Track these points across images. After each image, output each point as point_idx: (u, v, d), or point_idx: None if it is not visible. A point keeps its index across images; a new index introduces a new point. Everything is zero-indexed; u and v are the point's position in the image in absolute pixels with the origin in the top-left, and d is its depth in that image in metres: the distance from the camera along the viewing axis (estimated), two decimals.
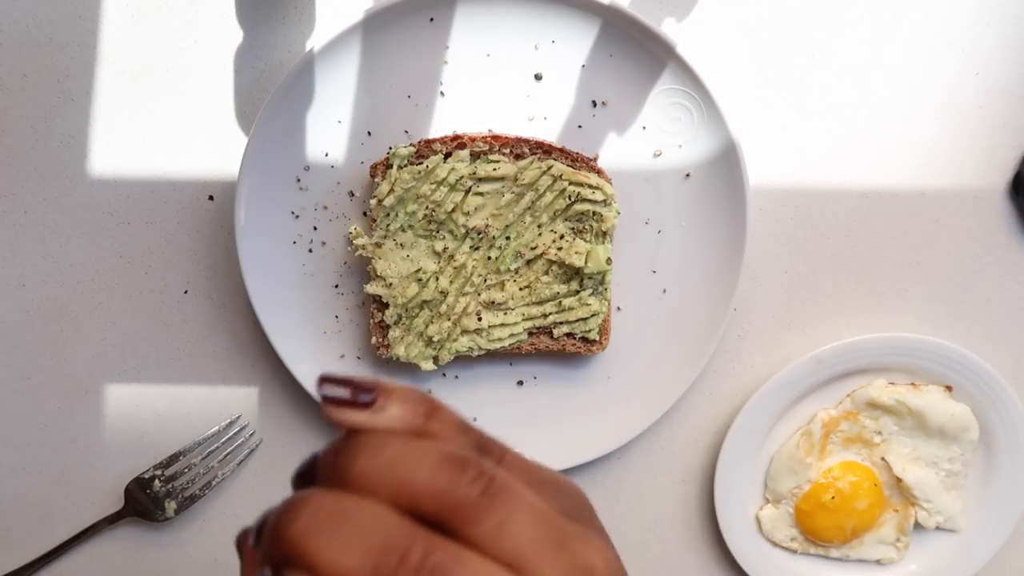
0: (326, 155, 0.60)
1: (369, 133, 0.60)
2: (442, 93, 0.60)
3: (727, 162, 0.59)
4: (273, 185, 0.60)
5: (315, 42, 0.57)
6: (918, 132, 0.63)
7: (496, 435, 0.28)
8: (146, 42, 0.62)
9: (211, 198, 0.63)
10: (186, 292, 0.64)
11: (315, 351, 0.62)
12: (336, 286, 0.62)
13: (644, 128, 0.60)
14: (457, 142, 0.58)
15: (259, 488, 0.66)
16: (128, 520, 0.64)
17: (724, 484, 0.62)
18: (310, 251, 0.61)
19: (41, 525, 0.66)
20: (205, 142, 0.62)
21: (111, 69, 0.62)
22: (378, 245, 0.59)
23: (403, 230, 0.59)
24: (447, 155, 0.58)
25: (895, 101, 0.63)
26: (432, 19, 0.59)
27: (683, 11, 0.61)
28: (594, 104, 0.60)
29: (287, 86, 0.58)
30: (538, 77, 0.60)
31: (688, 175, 0.60)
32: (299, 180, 0.60)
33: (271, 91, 0.58)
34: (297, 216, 0.61)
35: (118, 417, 0.65)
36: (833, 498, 0.61)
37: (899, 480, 0.61)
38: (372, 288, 0.59)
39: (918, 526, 0.63)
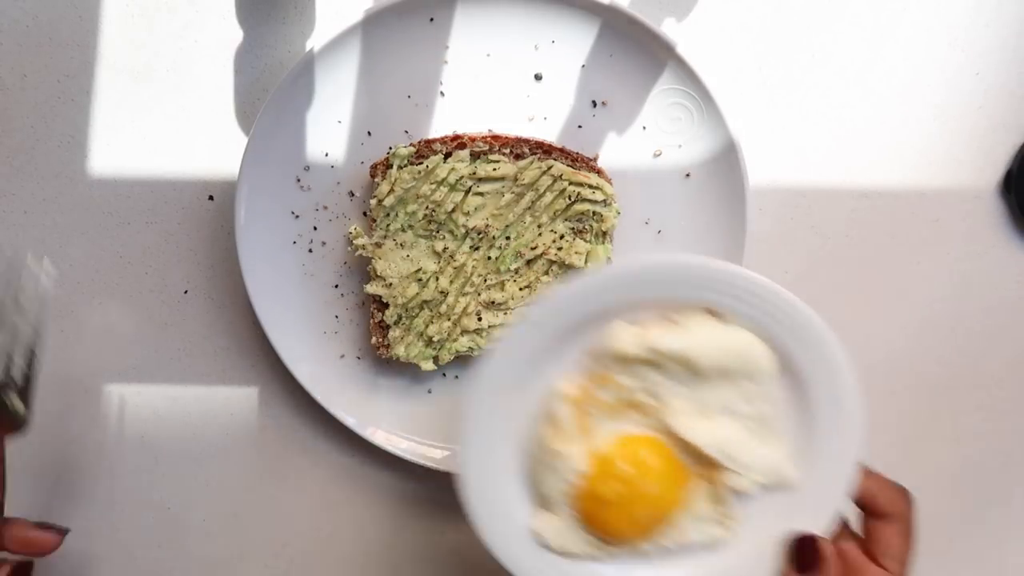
0: (326, 155, 0.60)
1: (369, 133, 0.60)
2: (442, 93, 0.60)
3: (727, 162, 0.59)
4: (273, 185, 0.60)
5: (315, 42, 0.57)
6: (918, 132, 0.63)
7: None
8: (146, 42, 0.62)
9: (211, 198, 0.63)
10: (186, 292, 0.64)
11: (315, 351, 0.62)
12: (336, 286, 0.62)
13: (644, 128, 0.60)
14: (457, 142, 0.58)
15: (259, 487, 0.66)
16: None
17: (479, 499, 0.47)
18: (310, 251, 0.61)
19: None
20: (205, 142, 0.62)
21: (111, 69, 0.62)
22: (378, 245, 0.59)
23: (403, 230, 0.59)
24: (447, 155, 0.58)
25: (895, 101, 0.63)
26: (432, 19, 0.59)
27: (683, 11, 0.61)
28: (594, 104, 0.60)
29: (287, 86, 0.58)
30: (538, 77, 0.60)
31: (688, 175, 0.60)
32: (299, 180, 0.60)
33: (271, 91, 0.58)
34: (297, 216, 0.61)
35: (118, 417, 0.65)
36: (613, 489, 0.46)
37: (687, 441, 0.47)
38: (372, 288, 0.59)
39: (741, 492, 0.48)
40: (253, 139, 0.58)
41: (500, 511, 0.47)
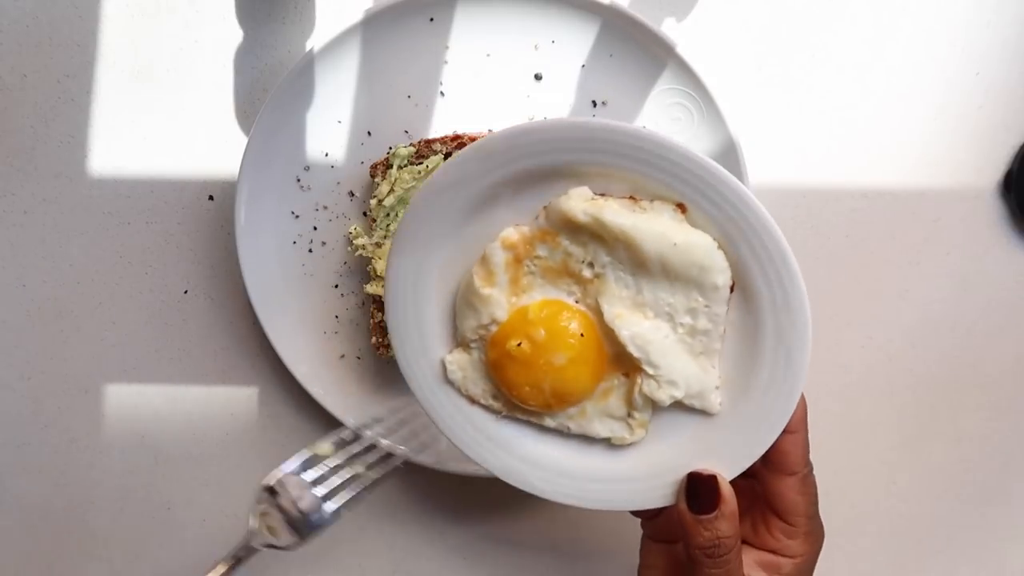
0: (326, 155, 0.60)
1: (369, 133, 0.60)
2: (442, 93, 0.60)
3: (727, 162, 0.59)
4: (273, 185, 0.60)
5: (315, 42, 0.57)
6: (918, 132, 0.63)
7: None
8: (146, 42, 0.62)
9: (211, 198, 0.63)
10: (186, 292, 0.64)
11: (315, 351, 0.62)
12: (336, 286, 0.62)
13: (644, 128, 0.60)
14: (457, 142, 0.58)
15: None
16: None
17: (397, 322, 0.46)
18: (310, 251, 0.61)
19: (41, 525, 0.66)
20: (205, 142, 0.62)
21: (111, 69, 0.62)
22: (378, 245, 0.59)
23: None
24: (447, 155, 0.58)
25: (895, 101, 0.63)
26: (432, 19, 0.59)
27: (683, 11, 0.61)
28: (594, 104, 0.60)
29: (287, 86, 0.58)
30: (538, 77, 0.60)
31: None
32: (299, 180, 0.60)
33: (271, 91, 0.58)
34: (297, 216, 0.61)
35: (118, 417, 0.65)
36: (520, 345, 0.43)
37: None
38: (372, 288, 0.59)
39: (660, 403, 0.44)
40: (253, 139, 0.58)
41: (419, 336, 0.46)
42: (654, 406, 0.44)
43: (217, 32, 0.61)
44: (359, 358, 0.62)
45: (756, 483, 0.45)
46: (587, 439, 0.46)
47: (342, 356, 0.62)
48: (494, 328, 0.45)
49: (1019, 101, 0.63)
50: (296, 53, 0.62)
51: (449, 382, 0.46)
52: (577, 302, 0.45)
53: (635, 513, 0.49)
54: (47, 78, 0.62)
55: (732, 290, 0.43)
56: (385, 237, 0.59)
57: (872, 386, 0.65)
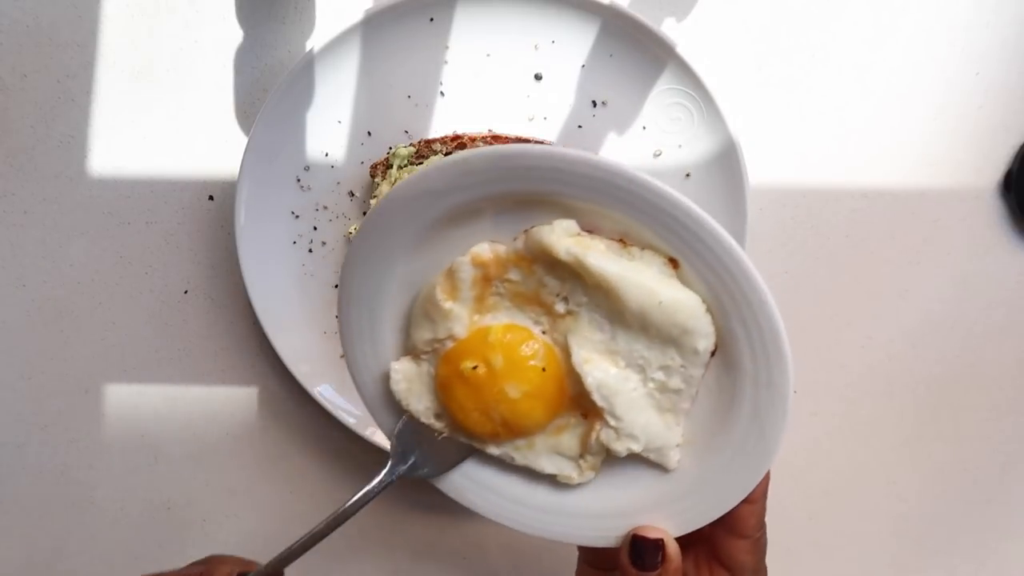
0: (326, 155, 0.60)
1: (369, 133, 0.60)
2: (442, 93, 0.60)
3: (727, 162, 0.59)
4: (273, 185, 0.60)
5: (315, 42, 0.57)
6: (918, 132, 0.63)
7: None
8: (146, 42, 0.62)
9: (211, 198, 0.63)
10: (186, 292, 0.64)
11: (315, 351, 0.62)
12: (336, 286, 0.62)
13: (644, 128, 0.60)
14: (457, 142, 0.58)
15: (259, 487, 0.66)
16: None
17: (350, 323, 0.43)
18: (310, 251, 0.61)
19: (41, 525, 0.66)
20: (205, 142, 0.62)
21: (111, 69, 0.62)
22: None
23: None
24: (447, 155, 0.58)
25: (894, 101, 0.63)
26: (432, 19, 0.59)
27: (683, 11, 0.61)
28: (594, 104, 0.60)
29: (287, 86, 0.58)
30: (538, 77, 0.60)
31: (688, 175, 0.60)
32: (299, 180, 0.60)
33: (271, 91, 0.58)
34: (297, 216, 0.61)
35: (118, 417, 0.65)
36: (476, 369, 0.40)
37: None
38: None
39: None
40: (253, 139, 0.58)
41: (371, 340, 0.43)
42: (609, 452, 0.42)
43: (217, 32, 0.61)
44: None
45: (705, 530, 0.43)
46: (528, 471, 0.43)
47: (342, 356, 0.62)
48: (450, 344, 0.41)
49: (1019, 101, 0.63)
50: (296, 53, 0.62)
51: (395, 390, 0.43)
52: (544, 333, 0.41)
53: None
54: (47, 78, 0.62)
55: (713, 354, 0.40)
56: None
57: (872, 386, 0.65)
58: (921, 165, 0.63)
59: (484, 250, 0.40)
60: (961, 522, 0.67)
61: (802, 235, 0.64)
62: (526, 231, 0.40)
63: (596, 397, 0.40)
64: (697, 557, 0.45)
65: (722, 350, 0.40)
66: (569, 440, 0.42)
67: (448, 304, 0.41)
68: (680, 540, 0.41)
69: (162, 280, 0.64)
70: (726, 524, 0.42)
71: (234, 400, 0.65)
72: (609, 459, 0.42)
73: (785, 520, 0.66)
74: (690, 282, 0.39)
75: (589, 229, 0.39)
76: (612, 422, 0.40)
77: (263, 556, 0.59)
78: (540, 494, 0.44)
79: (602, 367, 0.40)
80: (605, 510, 0.43)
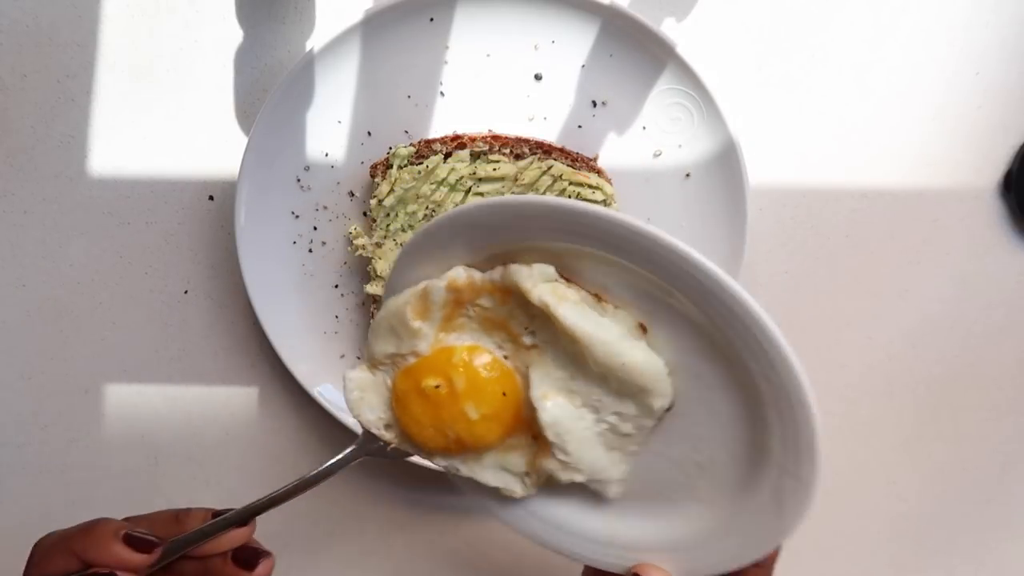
0: (326, 155, 0.60)
1: (369, 133, 0.60)
2: (442, 93, 0.60)
3: (727, 162, 0.59)
4: (273, 185, 0.60)
5: (315, 42, 0.57)
6: (917, 132, 0.63)
7: None
8: (146, 42, 0.62)
9: (211, 198, 0.63)
10: (186, 292, 0.64)
11: (315, 351, 0.62)
12: (336, 286, 0.62)
13: (644, 128, 0.60)
14: (457, 142, 0.58)
15: (259, 488, 0.65)
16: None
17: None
18: (310, 251, 0.61)
19: (41, 525, 0.66)
20: (205, 142, 0.62)
21: (111, 69, 0.62)
22: (378, 245, 0.59)
23: (403, 230, 0.59)
24: (447, 155, 0.58)
25: (894, 101, 0.63)
26: (432, 19, 0.59)
27: (683, 11, 0.61)
28: (594, 104, 0.60)
29: (287, 86, 0.58)
30: (538, 77, 0.60)
31: (688, 175, 0.60)
32: (299, 180, 0.60)
33: (271, 91, 0.58)
34: (297, 216, 0.61)
35: (118, 417, 0.65)
36: (438, 387, 0.41)
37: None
38: (372, 288, 0.59)
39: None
40: (253, 139, 0.58)
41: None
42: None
43: (217, 32, 0.61)
44: (359, 358, 0.62)
45: None
46: (471, 481, 0.44)
47: (342, 356, 0.62)
48: (411, 360, 0.42)
49: (1019, 101, 0.63)
50: (296, 53, 0.62)
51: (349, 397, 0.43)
52: (506, 358, 0.41)
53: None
54: (47, 78, 0.62)
55: (668, 410, 0.40)
56: (385, 237, 0.59)
57: (872, 386, 0.65)
58: (921, 165, 0.63)
59: (460, 276, 0.41)
60: (961, 522, 0.67)
61: (802, 235, 0.64)
62: (505, 265, 0.40)
63: (549, 433, 0.40)
64: None
65: (751, 430, 0.39)
66: (517, 459, 0.43)
67: (417, 323, 0.41)
68: None
69: (162, 280, 0.64)
70: None
71: (234, 400, 0.65)
72: (628, 493, 0.43)
73: None
74: (659, 347, 0.39)
75: (567, 276, 0.40)
76: (560, 456, 0.41)
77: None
78: (558, 510, 0.44)
79: (559, 404, 0.40)
80: (614, 539, 0.44)
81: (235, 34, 0.61)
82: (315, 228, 0.61)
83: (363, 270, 0.61)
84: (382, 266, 0.59)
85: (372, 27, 0.58)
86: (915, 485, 0.66)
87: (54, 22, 0.61)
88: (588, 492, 0.43)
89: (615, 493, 0.42)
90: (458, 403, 0.40)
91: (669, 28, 0.61)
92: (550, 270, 0.39)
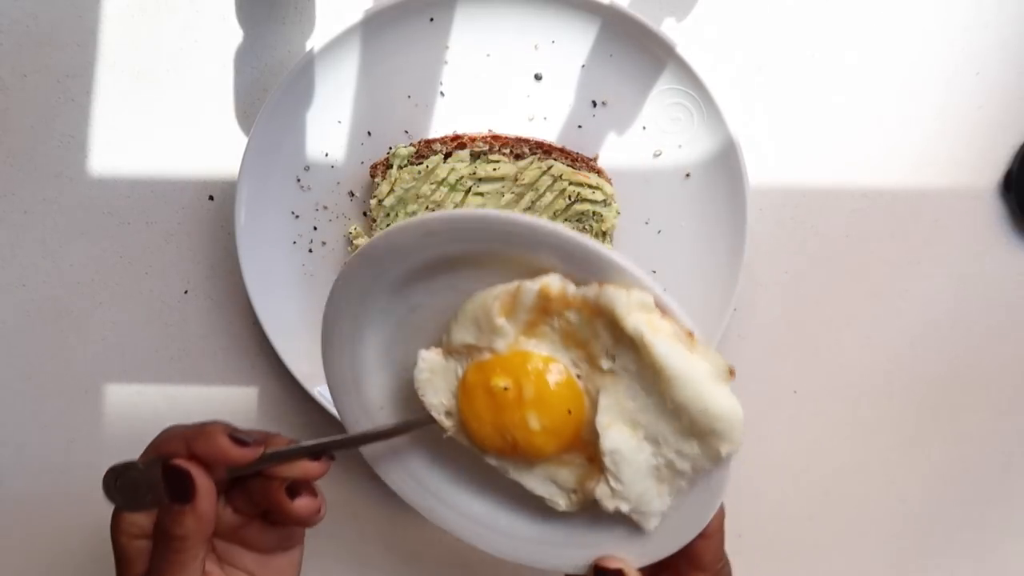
0: (326, 155, 0.60)
1: (369, 133, 0.60)
2: (442, 93, 0.60)
3: (727, 162, 0.59)
4: (273, 185, 0.60)
5: (315, 42, 0.57)
6: (918, 132, 0.63)
7: None
8: (146, 42, 0.62)
9: (211, 198, 0.63)
10: (186, 292, 0.64)
11: (315, 351, 0.62)
12: None
13: (644, 128, 0.60)
14: (457, 142, 0.58)
15: None
16: None
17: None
18: (310, 251, 0.61)
19: (41, 524, 0.66)
20: (205, 142, 0.62)
21: (111, 69, 0.62)
22: None
23: None
24: (447, 155, 0.58)
25: (894, 101, 0.63)
26: (432, 19, 0.59)
27: (683, 11, 0.61)
28: (594, 104, 0.60)
29: (287, 86, 0.58)
30: (538, 77, 0.60)
31: (688, 175, 0.60)
32: (299, 180, 0.60)
33: (271, 91, 0.58)
34: (297, 216, 0.61)
35: (118, 417, 0.65)
36: (506, 389, 0.41)
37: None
38: None
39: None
40: (253, 139, 0.58)
41: (355, 386, 0.47)
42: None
43: (217, 32, 0.61)
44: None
45: (670, 564, 0.45)
46: (515, 502, 0.45)
47: None
48: (487, 356, 0.42)
49: (1019, 101, 0.63)
50: (296, 53, 0.62)
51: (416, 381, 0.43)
52: (579, 377, 0.41)
53: None
54: (47, 78, 0.62)
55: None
56: None
57: (872, 386, 0.65)
58: (921, 165, 0.63)
59: (554, 284, 0.40)
60: (961, 522, 0.67)
61: (802, 235, 0.64)
62: (601, 284, 0.40)
63: (607, 460, 0.41)
64: None
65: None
66: (567, 475, 0.43)
67: (501, 320, 0.41)
68: (646, 572, 0.44)
69: (162, 280, 0.64)
70: (687, 558, 0.44)
71: (234, 400, 0.65)
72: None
73: (785, 520, 0.66)
74: (741, 391, 0.40)
75: (662, 309, 0.39)
76: (613, 484, 0.41)
77: None
78: (506, 519, 0.46)
79: (622, 434, 0.41)
80: (569, 540, 0.45)
81: (235, 34, 0.61)
82: (315, 228, 0.61)
83: None
84: None
85: (372, 27, 0.58)
86: (915, 485, 0.66)
87: (54, 22, 0.61)
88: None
89: (653, 526, 0.43)
90: (522, 409, 0.40)
91: (669, 28, 0.61)
92: (648, 299, 0.39)
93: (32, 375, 0.64)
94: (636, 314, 0.39)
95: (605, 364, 0.41)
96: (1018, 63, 0.62)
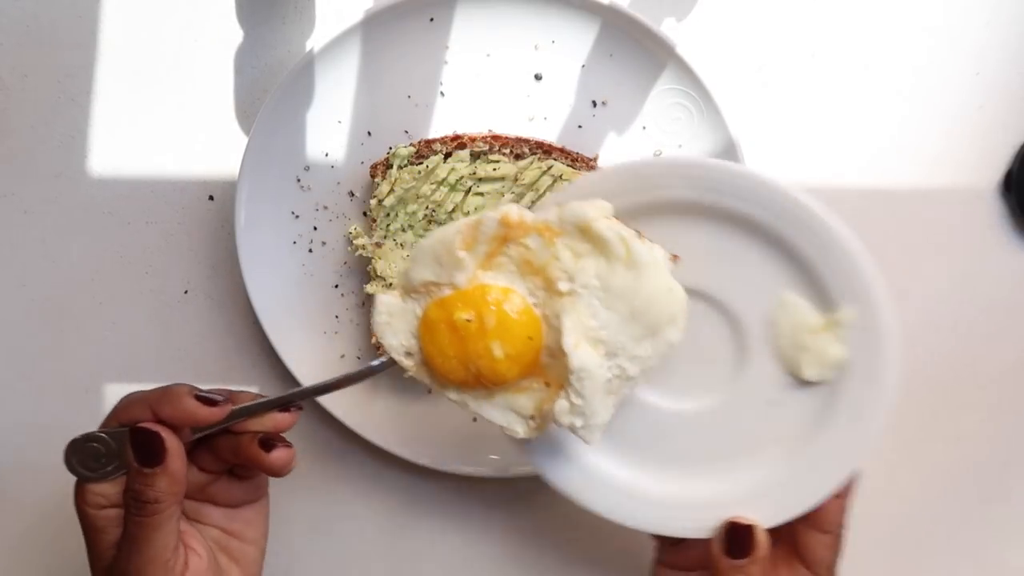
0: (326, 155, 0.60)
1: (369, 133, 0.60)
2: (442, 93, 0.60)
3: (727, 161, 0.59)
4: (273, 185, 0.60)
5: (315, 42, 0.57)
6: (918, 132, 0.63)
7: None
8: (146, 42, 0.62)
9: (211, 198, 0.63)
10: (186, 292, 0.64)
11: (315, 351, 0.62)
12: (336, 286, 0.62)
13: (644, 128, 0.60)
14: (457, 142, 0.58)
15: None
16: None
17: None
18: (310, 251, 0.61)
19: (41, 524, 0.66)
20: (205, 142, 0.62)
21: (111, 69, 0.62)
22: (378, 245, 0.59)
23: (403, 230, 0.59)
24: (447, 155, 0.58)
25: (894, 101, 0.63)
26: (432, 19, 0.59)
27: (683, 11, 0.61)
28: (594, 104, 0.60)
29: (287, 86, 0.58)
30: (538, 77, 0.60)
31: None
32: (299, 180, 0.60)
33: (271, 91, 0.58)
34: (297, 216, 0.61)
35: None
36: (469, 321, 0.42)
37: (563, 354, 0.43)
38: (372, 288, 0.59)
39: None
40: (253, 139, 0.58)
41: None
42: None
43: (217, 32, 0.61)
44: (359, 358, 0.62)
45: (787, 525, 0.47)
46: (631, 456, 0.48)
47: (342, 356, 0.62)
48: (447, 292, 0.44)
49: (1019, 101, 0.63)
50: (296, 53, 0.62)
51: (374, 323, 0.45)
52: (536, 305, 0.44)
53: (655, 536, 0.50)
54: (47, 78, 0.62)
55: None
56: (385, 237, 0.59)
57: None
58: (921, 165, 0.63)
59: (514, 212, 0.43)
60: (961, 522, 0.67)
61: None
62: (559, 205, 0.43)
63: (573, 379, 0.42)
64: (776, 552, 0.47)
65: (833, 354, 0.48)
66: (525, 401, 0.45)
67: (462, 253, 0.43)
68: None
69: (162, 280, 0.64)
70: (810, 518, 0.46)
71: None
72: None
73: None
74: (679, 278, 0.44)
75: (617, 216, 0.43)
76: (574, 399, 0.43)
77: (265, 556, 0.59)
78: (636, 484, 0.48)
79: (588, 354, 0.43)
80: (698, 500, 0.47)
81: (235, 34, 0.61)
82: (315, 228, 0.61)
83: (363, 270, 0.61)
84: (382, 266, 0.59)
85: (372, 27, 0.58)
86: (915, 485, 0.66)
87: (54, 22, 0.61)
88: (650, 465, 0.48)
89: (595, 440, 0.44)
90: (486, 339, 0.42)
91: (669, 28, 0.61)
92: (608, 207, 0.43)
93: (32, 375, 0.64)
94: (602, 220, 0.42)
95: (564, 286, 0.43)
96: (1018, 63, 0.62)
